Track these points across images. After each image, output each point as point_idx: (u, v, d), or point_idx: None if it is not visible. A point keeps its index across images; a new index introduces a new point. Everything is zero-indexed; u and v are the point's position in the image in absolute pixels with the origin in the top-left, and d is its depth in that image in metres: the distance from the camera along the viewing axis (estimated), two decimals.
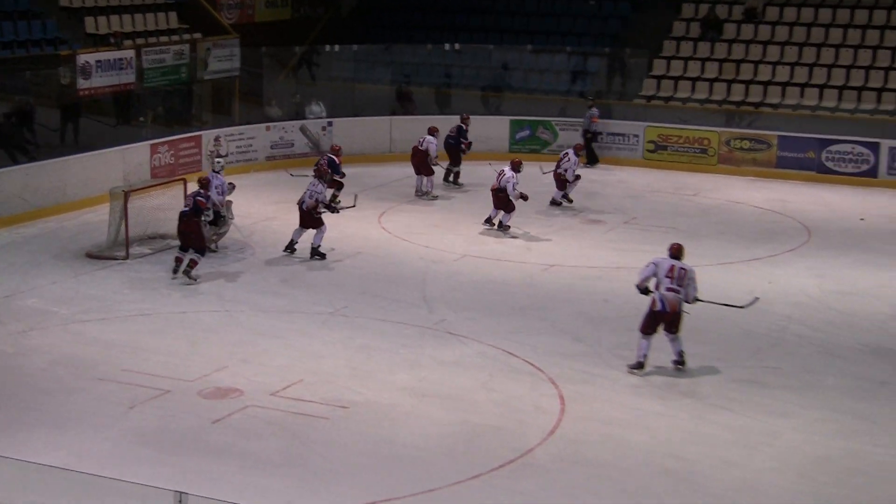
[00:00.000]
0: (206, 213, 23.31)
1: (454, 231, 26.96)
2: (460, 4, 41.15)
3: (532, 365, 18.95)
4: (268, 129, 33.68)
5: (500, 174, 26.67)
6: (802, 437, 16.53)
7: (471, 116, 32.52)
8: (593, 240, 26.44)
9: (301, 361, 18.86)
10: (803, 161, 32.88)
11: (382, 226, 26.98)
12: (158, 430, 16.33)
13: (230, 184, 25.13)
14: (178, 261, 23.17)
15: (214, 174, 24.80)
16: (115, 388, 17.68)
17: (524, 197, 26.57)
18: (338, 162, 27.90)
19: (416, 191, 30.40)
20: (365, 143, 33.41)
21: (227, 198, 24.85)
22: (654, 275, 18.77)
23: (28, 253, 24.67)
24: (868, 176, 32.07)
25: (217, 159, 26.14)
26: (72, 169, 28.32)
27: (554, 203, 29.32)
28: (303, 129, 33.63)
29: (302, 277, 23.46)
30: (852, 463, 15.78)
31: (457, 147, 31.63)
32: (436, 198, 30.35)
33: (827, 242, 26.53)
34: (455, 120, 32.44)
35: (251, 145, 33.00)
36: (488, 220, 26.82)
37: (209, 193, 23.58)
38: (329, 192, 25.70)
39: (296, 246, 24.65)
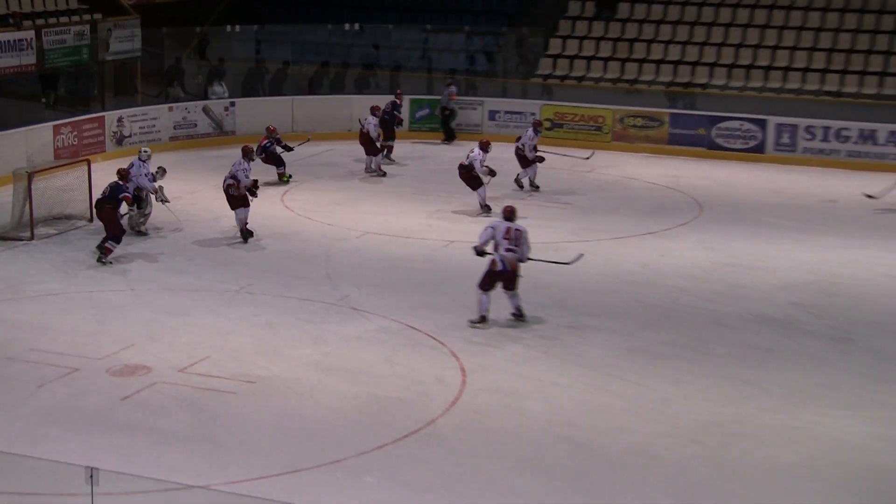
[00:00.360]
0: (130, 206, 23.35)
1: (356, 209, 27.04)
2: None
3: (434, 339, 19.13)
4: (171, 109, 33.55)
5: (469, 152, 26.84)
6: (693, 403, 16.82)
7: (373, 95, 32.78)
8: (491, 216, 26.55)
9: (208, 338, 18.89)
10: (694, 137, 33.22)
11: (286, 204, 27.01)
12: (68, 407, 16.30)
13: (160, 168, 24.97)
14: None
15: (141, 162, 24.56)
16: (24, 367, 17.64)
17: (493, 173, 26.70)
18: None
19: (366, 168, 30.52)
20: (265, 123, 33.45)
21: (159, 182, 24.71)
22: (493, 238, 19.58)
23: None
24: (756, 152, 32.51)
25: (144, 149, 25.59)
26: None
27: (518, 183, 29.17)
28: (206, 110, 33.58)
29: (207, 256, 23.47)
30: (740, 427, 16.11)
31: (391, 122, 32.00)
32: (384, 174, 30.50)
33: (717, 216, 26.89)
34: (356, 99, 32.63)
35: (154, 126, 32.84)
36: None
37: (128, 185, 23.46)
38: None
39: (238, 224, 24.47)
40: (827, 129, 32.08)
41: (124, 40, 34.33)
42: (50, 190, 25.04)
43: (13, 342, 18.68)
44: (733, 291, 21.79)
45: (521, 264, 19.70)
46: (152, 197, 24.81)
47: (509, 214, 19.92)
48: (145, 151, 25.15)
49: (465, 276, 22.05)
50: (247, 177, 24.23)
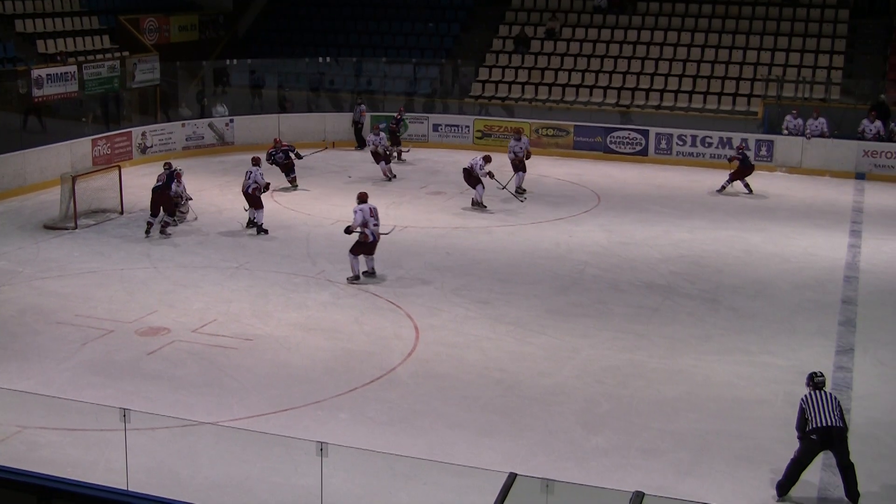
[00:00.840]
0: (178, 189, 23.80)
1: (328, 202, 26.74)
2: (330, 26, 40.81)
3: (393, 304, 18.99)
4: (183, 125, 33.14)
5: (471, 159, 26.28)
6: (597, 352, 16.81)
7: (341, 113, 32.62)
8: (436, 206, 26.42)
9: (214, 305, 18.70)
10: (593, 144, 33.12)
11: (274, 199, 26.72)
12: (105, 361, 16.15)
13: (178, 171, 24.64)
14: (150, 225, 23.32)
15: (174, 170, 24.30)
16: (70, 329, 17.44)
17: (491, 175, 26.02)
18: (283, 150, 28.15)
19: (384, 174, 29.54)
20: (259, 136, 33.00)
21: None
22: (364, 218, 19.96)
23: None
24: (641, 154, 32.44)
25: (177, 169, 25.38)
26: (29, 159, 27.65)
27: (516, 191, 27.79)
28: (211, 126, 33.17)
29: (213, 240, 23.20)
30: (634, 370, 16.14)
31: (395, 131, 32.08)
32: (394, 176, 29.68)
33: (612, 206, 26.78)
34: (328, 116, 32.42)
35: (170, 138, 32.46)
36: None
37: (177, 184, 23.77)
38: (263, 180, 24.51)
39: (256, 221, 23.87)
40: (695, 136, 32.07)
41: (147, 72, 33.98)
42: (89, 189, 24.77)
43: (61, 309, 18.44)
44: (626, 263, 21.72)
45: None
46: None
47: (366, 197, 20.41)
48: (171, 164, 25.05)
49: (416, 255, 22.04)
50: (262, 178, 24.00)
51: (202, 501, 10.99)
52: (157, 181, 23.70)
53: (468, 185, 26.31)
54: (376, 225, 20.21)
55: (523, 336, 17.43)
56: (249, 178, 23.92)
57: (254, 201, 23.91)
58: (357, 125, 34.32)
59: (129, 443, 11.27)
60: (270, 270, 20.96)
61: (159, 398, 14.77)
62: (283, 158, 28.16)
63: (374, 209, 20.31)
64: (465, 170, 26.26)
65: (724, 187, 28.34)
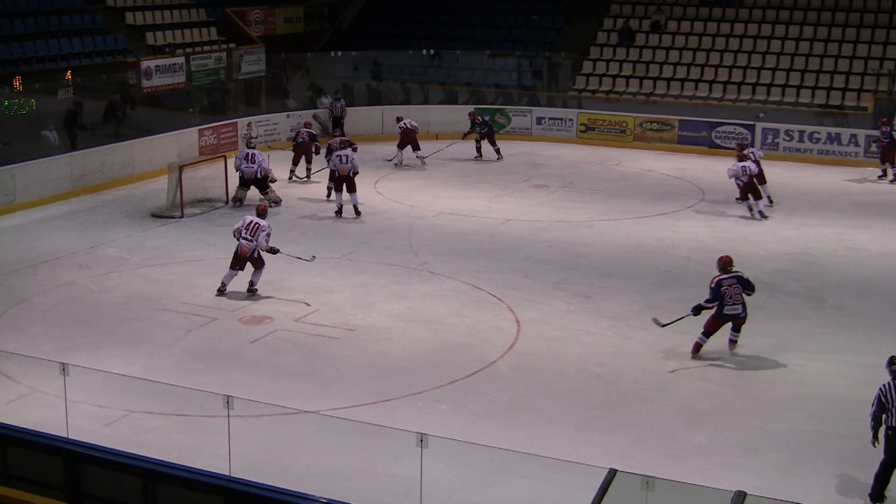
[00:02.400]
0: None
1: (431, 193, 26.86)
2: (435, 19, 40.89)
3: (494, 296, 18.98)
4: (287, 116, 33.47)
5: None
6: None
7: (445, 105, 32.93)
8: (539, 200, 26.36)
9: (317, 295, 18.85)
10: (698, 139, 32.78)
11: (377, 191, 26.87)
12: (209, 348, 16.41)
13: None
14: (292, 172, 27.74)
15: (252, 150, 25.21)
16: (176, 316, 17.73)
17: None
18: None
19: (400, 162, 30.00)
20: (363, 127, 33.19)
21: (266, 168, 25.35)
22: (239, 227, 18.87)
23: (106, 214, 24.61)
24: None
25: (248, 137, 27.19)
26: (138, 148, 28.21)
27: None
28: (315, 117, 33.43)
29: (316, 231, 23.40)
30: (737, 368, 15.92)
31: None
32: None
33: (716, 201, 26.46)
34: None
35: (275, 129, 32.83)
36: None
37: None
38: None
39: (342, 206, 24.52)
40: (802, 132, 31.57)
41: (252, 63, 34.35)
42: (195, 179, 25.10)
43: (167, 297, 18.74)
44: None
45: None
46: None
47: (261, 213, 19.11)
48: (250, 140, 26.89)
49: (518, 248, 22.01)
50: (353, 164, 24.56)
51: (303, 489, 11.08)
52: (298, 138, 27.54)
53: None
54: (246, 238, 18.68)
55: (624, 331, 17.31)
56: (345, 161, 24.40)
57: (350, 185, 24.48)
58: (341, 120, 33.33)
59: (231, 429, 11.41)
60: (372, 261, 21.07)
61: (261, 386, 14.93)
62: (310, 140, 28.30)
63: (252, 223, 18.83)
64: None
65: (885, 172, 28.37)
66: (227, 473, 10.97)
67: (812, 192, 27.60)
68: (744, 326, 16.26)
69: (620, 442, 13.60)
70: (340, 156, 24.46)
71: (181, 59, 31.66)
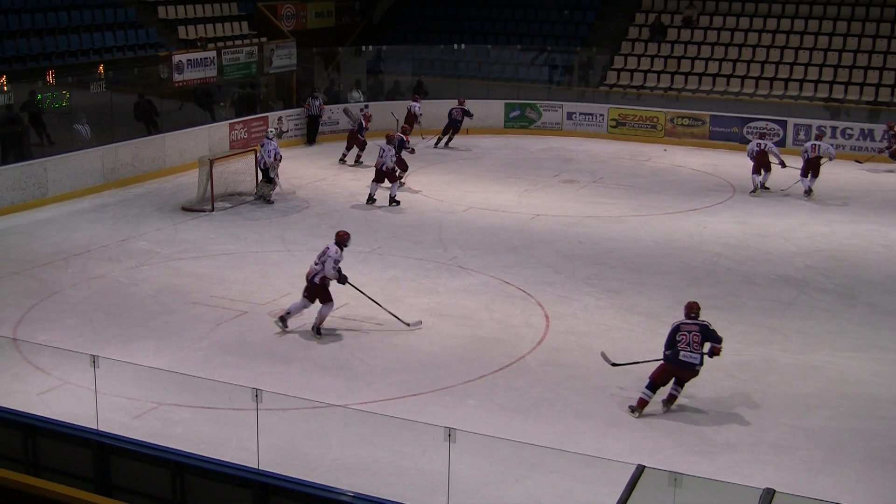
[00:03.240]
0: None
1: (461, 188, 26.87)
2: (465, 14, 40.88)
3: (523, 291, 18.96)
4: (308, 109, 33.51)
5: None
6: (728, 345, 16.24)
7: (476, 100, 33.01)
8: (569, 195, 26.30)
9: (346, 289, 18.72)
10: (729, 134, 32.67)
11: (407, 186, 26.87)
12: (239, 341, 16.44)
13: (279, 155, 25.09)
14: (344, 155, 29.05)
15: (268, 140, 25.14)
16: (206, 309, 17.79)
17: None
18: (405, 140, 26.46)
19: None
20: (392, 121, 33.24)
21: (274, 162, 25.00)
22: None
23: (137, 207, 24.70)
24: (778, 146, 31.72)
25: (270, 129, 26.96)
26: (169, 142, 28.33)
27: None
28: (346, 111, 33.43)
29: (345, 224, 23.29)
30: (766, 365, 15.88)
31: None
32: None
33: (747, 197, 26.37)
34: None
35: (306, 123, 32.90)
36: None
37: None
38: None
39: (375, 198, 25.03)
40: (835, 127, 31.40)
41: (283, 58, 34.36)
42: (226, 173, 25.22)
43: (197, 290, 18.80)
44: (761, 256, 21.37)
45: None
46: (279, 172, 25.38)
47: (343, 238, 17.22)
48: (272, 130, 26.75)
49: (548, 243, 21.98)
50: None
51: (331, 482, 11.10)
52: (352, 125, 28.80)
53: None
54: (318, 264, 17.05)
55: (654, 327, 17.20)
56: (383, 155, 24.78)
57: (390, 177, 25.00)
58: (319, 119, 33.14)
59: (260, 422, 11.44)
60: (402, 255, 21.08)
61: (290, 379, 14.97)
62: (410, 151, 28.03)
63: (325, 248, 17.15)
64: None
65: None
66: (256, 466, 11.00)
67: (844, 189, 27.43)
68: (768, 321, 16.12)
69: (649, 438, 13.55)
70: (380, 148, 25.14)
71: (212, 54, 31.74)
